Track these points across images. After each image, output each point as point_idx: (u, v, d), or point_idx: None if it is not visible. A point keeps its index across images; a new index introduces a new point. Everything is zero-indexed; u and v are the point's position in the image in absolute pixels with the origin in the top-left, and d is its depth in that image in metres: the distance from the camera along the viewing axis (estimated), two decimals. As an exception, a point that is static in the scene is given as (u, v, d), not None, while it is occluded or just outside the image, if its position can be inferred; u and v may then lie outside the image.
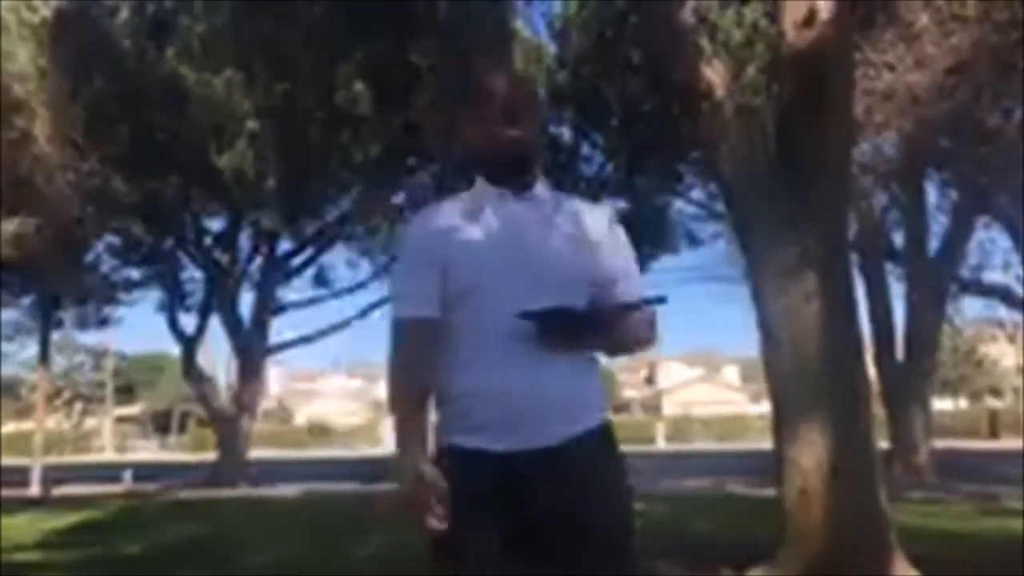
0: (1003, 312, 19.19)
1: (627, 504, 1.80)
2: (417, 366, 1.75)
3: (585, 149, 16.38)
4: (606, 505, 1.72)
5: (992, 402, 41.64)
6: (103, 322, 21.71)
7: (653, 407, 47.55)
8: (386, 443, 44.72)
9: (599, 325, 1.74)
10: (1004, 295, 15.57)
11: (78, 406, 48.40)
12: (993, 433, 33.69)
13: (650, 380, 54.96)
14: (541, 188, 1.84)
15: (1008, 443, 30.62)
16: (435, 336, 1.74)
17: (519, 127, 1.77)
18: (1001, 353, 39.03)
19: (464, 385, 1.72)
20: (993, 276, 15.50)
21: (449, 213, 1.82)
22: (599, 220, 1.86)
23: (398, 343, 1.78)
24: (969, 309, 19.10)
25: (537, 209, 1.79)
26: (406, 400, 1.75)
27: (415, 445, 1.70)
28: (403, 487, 1.67)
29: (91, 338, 41.16)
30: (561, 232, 1.78)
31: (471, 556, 1.66)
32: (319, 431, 47.34)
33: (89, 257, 17.61)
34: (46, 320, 19.16)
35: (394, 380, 1.78)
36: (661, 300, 1.81)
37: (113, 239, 17.48)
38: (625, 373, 54.12)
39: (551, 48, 15.49)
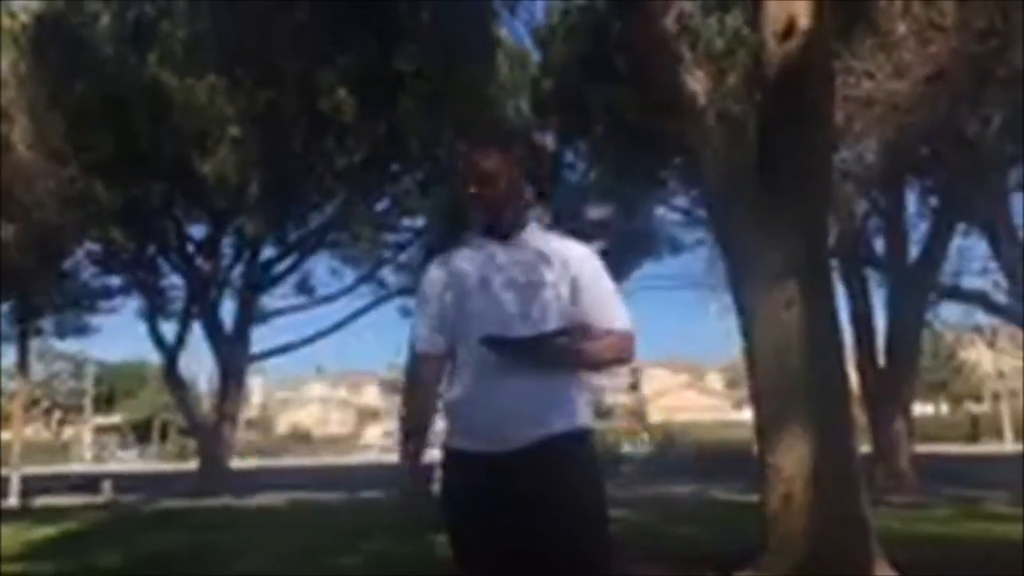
0: (982, 317, 19.35)
1: (583, 505, 2.03)
2: (422, 391, 2.19)
3: (569, 156, 16.43)
4: (560, 504, 1.99)
5: (972, 406, 42.02)
6: (82, 330, 21.47)
7: (638, 414, 47.62)
8: (368, 451, 44.57)
9: (535, 353, 2.05)
10: (983, 301, 15.73)
11: (57, 415, 47.85)
12: (973, 437, 33.99)
13: (634, 387, 55.06)
14: (529, 233, 2.21)
15: (988, 447, 30.93)
16: (440, 366, 2.18)
17: (487, 188, 2.16)
18: (980, 358, 39.42)
19: (450, 398, 2.14)
20: (972, 282, 15.67)
21: (443, 261, 2.26)
22: (577, 259, 2.20)
23: (410, 372, 2.31)
24: (949, 314, 19.25)
25: (517, 253, 2.16)
26: (411, 416, 2.28)
27: (417, 453, 2.18)
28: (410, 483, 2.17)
29: (70, 346, 40.79)
30: (536, 272, 2.13)
31: (460, 540, 2.07)
32: (301, 439, 47.07)
33: (69, 264, 17.42)
34: (24, 328, 18.93)
35: (404, 401, 2.38)
36: (563, 333, 2.11)
37: (93, 246, 17.31)
38: (609, 380, 54.11)
39: (535, 56, 15.53)
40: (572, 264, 2.17)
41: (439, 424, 2.18)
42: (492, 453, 2.00)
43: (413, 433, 2.22)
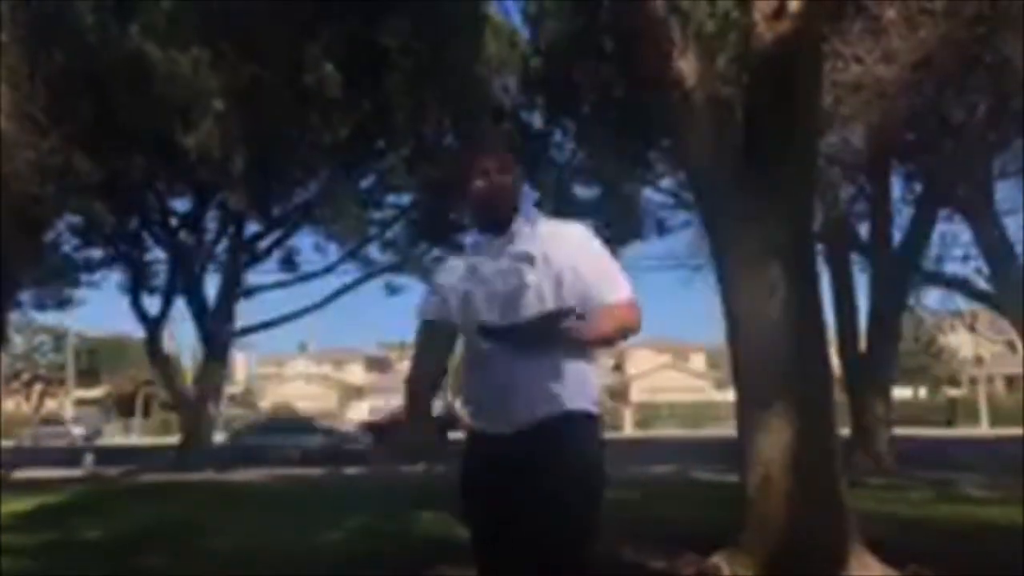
0: (962, 303, 19.53)
1: (569, 489, 2.08)
2: (425, 354, 2.34)
3: (556, 136, 16.39)
4: (545, 488, 2.07)
5: (950, 391, 42.51)
6: (63, 303, 21.30)
7: (621, 394, 47.90)
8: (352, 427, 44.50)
9: (531, 336, 2.10)
10: (964, 286, 15.86)
11: (38, 388, 47.54)
12: (949, 423, 34.44)
13: (618, 367, 55.31)
14: (519, 223, 2.25)
15: (965, 431, 31.37)
16: (438, 333, 2.30)
17: (487, 180, 2.23)
18: (960, 343, 39.83)
19: (464, 384, 2.27)
20: (953, 267, 15.79)
21: (454, 259, 2.39)
22: (570, 239, 2.24)
23: (416, 338, 2.36)
24: (930, 299, 19.43)
25: (511, 242, 2.22)
26: (415, 379, 2.32)
27: (420, 412, 2.30)
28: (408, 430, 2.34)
29: (51, 319, 40.43)
30: (517, 276, 2.18)
31: (469, 511, 2.22)
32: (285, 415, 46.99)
33: (50, 236, 17.22)
34: (4, 300, 18.72)
35: (411, 364, 2.36)
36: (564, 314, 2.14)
37: (75, 219, 17.13)
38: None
39: (525, 34, 15.43)
40: (560, 254, 2.19)
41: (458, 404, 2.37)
42: (500, 434, 2.14)
43: (420, 389, 2.32)
